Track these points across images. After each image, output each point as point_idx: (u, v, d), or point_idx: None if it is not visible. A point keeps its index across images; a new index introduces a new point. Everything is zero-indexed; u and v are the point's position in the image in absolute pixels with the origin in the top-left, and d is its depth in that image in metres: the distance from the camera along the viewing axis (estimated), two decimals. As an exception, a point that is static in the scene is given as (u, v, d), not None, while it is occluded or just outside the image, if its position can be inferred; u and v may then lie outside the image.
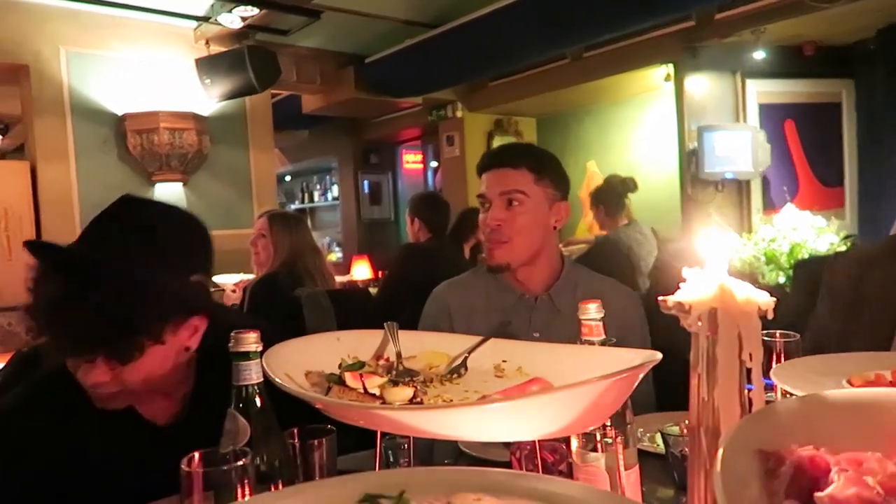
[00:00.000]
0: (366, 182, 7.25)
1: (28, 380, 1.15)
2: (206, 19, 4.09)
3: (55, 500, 1.05)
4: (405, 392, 0.83)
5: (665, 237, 3.86)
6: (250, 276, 3.16)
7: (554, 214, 1.49)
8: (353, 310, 2.73)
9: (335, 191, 7.84)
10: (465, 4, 4.11)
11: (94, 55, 4.06)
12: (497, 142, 5.89)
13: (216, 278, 3.37)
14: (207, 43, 4.30)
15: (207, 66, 4.20)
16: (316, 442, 0.87)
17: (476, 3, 4.04)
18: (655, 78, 4.76)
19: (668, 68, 4.52)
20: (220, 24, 3.99)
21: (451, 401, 0.87)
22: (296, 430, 0.87)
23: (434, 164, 7.27)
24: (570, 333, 0.92)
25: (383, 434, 0.93)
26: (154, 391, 1.07)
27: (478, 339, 1.04)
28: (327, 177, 8.17)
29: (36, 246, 0.98)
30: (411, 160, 7.50)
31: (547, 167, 1.48)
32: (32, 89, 3.88)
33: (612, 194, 3.65)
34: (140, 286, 0.95)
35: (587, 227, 5.36)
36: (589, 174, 5.62)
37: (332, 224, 8.20)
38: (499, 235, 1.45)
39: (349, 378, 0.85)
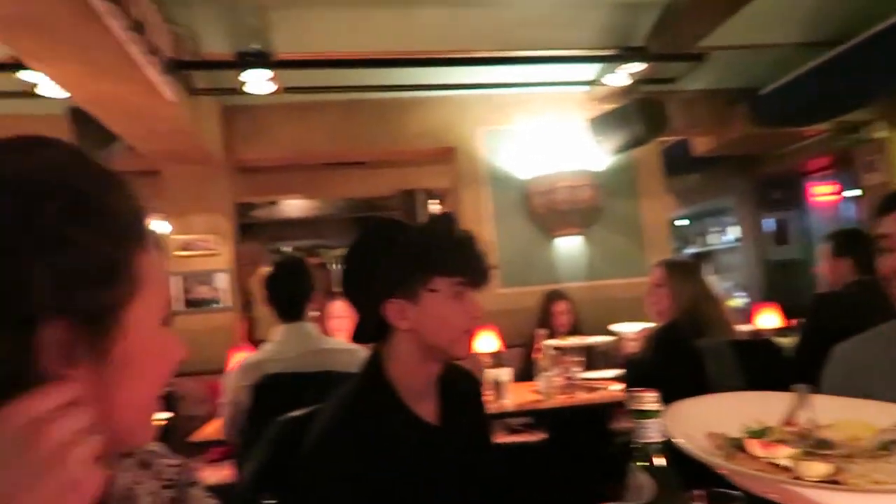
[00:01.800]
0: (769, 221, 6.65)
1: (336, 400, 1.26)
2: (595, 82, 4.36)
3: None
4: (823, 467, 0.75)
5: None
6: (650, 325, 3.18)
7: None
8: (759, 364, 2.51)
9: (733, 232, 7.38)
10: (870, 14, 3.55)
11: (504, 130, 4.68)
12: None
13: (615, 327, 3.47)
14: (599, 103, 4.57)
15: (599, 124, 4.44)
16: (722, 508, 0.85)
17: (882, 13, 3.46)
18: None
19: None
20: (608, 85, 4.21)
21: (884, 483, 0.75)
22: (703, 493, 0.86)
23: (851, 193, 6.28)
24: None
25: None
26: (426, 393, 1.24)
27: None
28: (723, 218, 7.75)
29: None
30: (821, 192, 6.62)
31: None
32: (459, 166, 4.65)
33: None
34: None
35: None
36: None
37: (731, 268, 7.71)
38: None
39: (755, 446, 0.81)
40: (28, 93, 3.33)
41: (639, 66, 3.87)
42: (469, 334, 1.23)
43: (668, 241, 4.96)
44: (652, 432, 0.81)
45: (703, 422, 0.91)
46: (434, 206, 6.66)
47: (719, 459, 0.82)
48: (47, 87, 3.08)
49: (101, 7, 2.10)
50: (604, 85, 4.29)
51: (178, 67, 3.15)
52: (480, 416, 1.41)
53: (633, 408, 0.81)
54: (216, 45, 3.36)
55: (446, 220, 1.28)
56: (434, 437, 1.23)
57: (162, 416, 3.30)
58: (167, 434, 3.51)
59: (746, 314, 5.05)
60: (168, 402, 3.68)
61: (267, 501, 1.33)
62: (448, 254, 1.20)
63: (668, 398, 0.86)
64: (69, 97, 3.08)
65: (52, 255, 0.48)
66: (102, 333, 0.50)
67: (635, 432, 0.82)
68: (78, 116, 3.49)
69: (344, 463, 1.14)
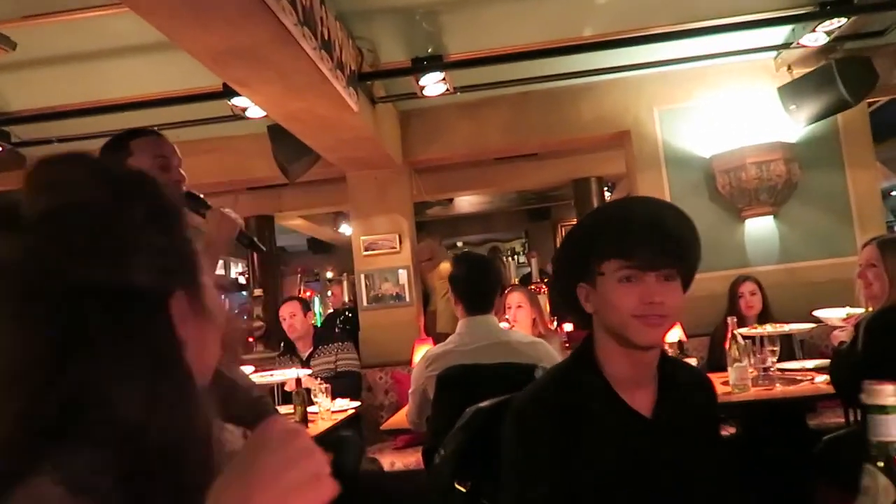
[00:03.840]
0: None
1: (542, 378, 1.30)
2: (786, 46, 3.98)
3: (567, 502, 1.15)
4: None
5: None
6: (859, 311, 2.86)
7: None
8: None
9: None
10: None
11: (681, 108, 4.44)
12: None
13: (819, 313, 3.17)
14: (789, 68, 4.18)
15: (791, 91, 4.07)
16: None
17: None
18: None
19: None
20: (802, 46, 3.83)
21: None
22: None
23: None
24: None
25: None
26: (637, 383, 1.22)
27: None
28: (950, 185, 6.75)
29: None
30: None
31: None
32: (634, 149, 4.49)
33: None
34: None
35: None
36: None
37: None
38: None
39: None
40: (237, 116, 3.75)
41: (839, 22, 3.46)
42: (642, 320, 1.16)
43: (881, 216, 4.41)
44: (891, 429, 0.74)
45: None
46: (607, 194, 6.49)
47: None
48: (253, 109, 3.46)
49: (297, 31, 2.31)
50: (795, 48, 3.90)
51: (361, 79, 3.37)
52: (707, 417, 1.34)
53: (870, 402, 0.74)
54: (393, 53, 3.54)
55: (621, 202, 1.32)
56: (643, 428, 1.20)
57: (351, 405, 3.56)
58: (357, 421, 3.78)
59: None
60: (355, 391, 3.94)
61: (461, 487, 1.39)
62: (612, 237, 1.20)
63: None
64: (266, 116, 3.43)
65: (153, 242, 0.58)
66: (199, 295, 0.61)
67: (871, 429, 0.75)
68: (275, 132, 3.86)
69: (541, 434, 1.17)
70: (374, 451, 3.74)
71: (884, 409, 0.74)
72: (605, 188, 7.15)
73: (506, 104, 4.57)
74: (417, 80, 3.65)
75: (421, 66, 3.52)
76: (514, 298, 3.53)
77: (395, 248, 4.62)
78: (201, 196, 1.91)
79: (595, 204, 6.74)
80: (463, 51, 3.55)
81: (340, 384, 3.76)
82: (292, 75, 2.66)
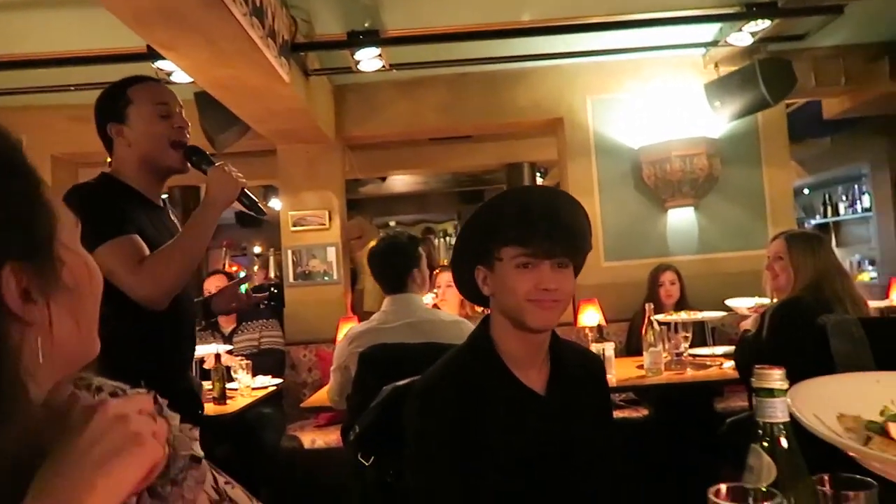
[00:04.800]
0: (909, 188, 6.07)
1: (442, 359, 1.34)
2: (713, 44, 4.12)
3: (469, 480, 1.20)
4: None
5: None
6: (766, 300, 3.03)
7: None
8: (891, 343, 2.33)
9: (865, 201, 6.82)
10: None
11: (613, 99, 4.53)
12: None
13: (730, 302, 3.33)
14: (716, 66, 4.33)
15: (716, 88, 4.21)
16: (852, 494, 0.80)
17: None
18: None
19: None
20: (729, 45, 3.97)
21: None
22: (827, 477, 0.82)
23: None
24: None
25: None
26: (530, 362, 1.28)
27: None
28: (856, 186, 7.18)
29: None
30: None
31: None
32: (566, 137, 4.56)
33: None
34: None
35: None
36: None
37: (861, 240, 7.15)
38: None
39: (894, 429, 0.76)
40: (162, 80, 3.58)
41: (764, 24, 3.61)
42: (537, 304, 1.22)
43: (791, 212, 4.65)
44: (777, 412, 0.78)
45: (832, 402, 0.87)
46: (539, 179, 6.58)
47: (852, 443, 0.78)
48: (179, 74, 3.31)
49: (225, -6, 2.22)
50: (722, 46, 4.04)
51: (294, 49, 3.28)
52: (599, 396, 1.41)
53: (758, 385, 0.78)
54: (329, 25, 3.46)
55: (520, 191, 1.35)
56: (536, 404, 1.27)
57: (273, 383, 3.51)
58: (278, 398, 3.74)
59: (880, 289, 4.68)
60: (278, 369, 3.90)
61: (363, 460, 1.42)
62: (511, 225, 1.25)
63: (787, 377, 0.83)
64: (194, 82, 3.29)
65: None
66: (46, 267, 0.55)
67: (758, 411, 0.79)
68: (203, 100, 3.71)
69: (443, 415, 1.22)
70: (296, 428, 3.71)
71: (771, 392, 0.78)
72: (538, 173, 7.25)
73: (443, 84, 4.55)
74: (353, 55, 3.59)
75: (357, 39, 3.45)
76: (444, 278, 3.56)
77: (324, 224, 4.55)
78: (206, 152, 1.82)
79: (527, 189, 6.81)
80: (401, 27, 3.50)
81: (264, 361, 3.70)
82: (220, 41, 2.55)
